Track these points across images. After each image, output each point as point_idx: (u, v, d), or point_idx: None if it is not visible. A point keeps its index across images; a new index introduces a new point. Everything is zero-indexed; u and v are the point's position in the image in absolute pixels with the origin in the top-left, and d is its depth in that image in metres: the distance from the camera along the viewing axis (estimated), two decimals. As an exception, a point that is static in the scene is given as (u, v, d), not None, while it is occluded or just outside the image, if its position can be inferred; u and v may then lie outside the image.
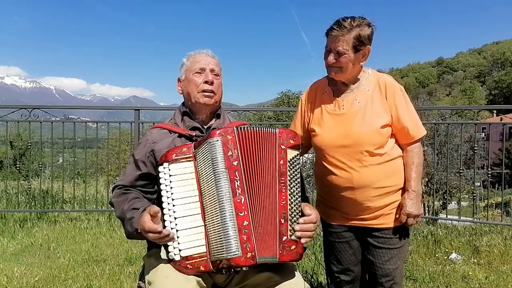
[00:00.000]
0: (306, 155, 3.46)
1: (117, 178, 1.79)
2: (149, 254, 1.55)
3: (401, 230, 1.84)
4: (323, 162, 1.85)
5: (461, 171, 4.76)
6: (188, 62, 1.70)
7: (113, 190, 1.67)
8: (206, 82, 1.63)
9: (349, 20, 1.69)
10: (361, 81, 1.85)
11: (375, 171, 1.75)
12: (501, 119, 6.28)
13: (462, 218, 4.68)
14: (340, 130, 1.78)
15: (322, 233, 2.01)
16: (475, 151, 4.77)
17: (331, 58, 1.74)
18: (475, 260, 3.59)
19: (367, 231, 1.86)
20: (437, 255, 3.70)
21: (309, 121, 1.92)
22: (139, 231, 1.41)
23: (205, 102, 1.64)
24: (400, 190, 1.81)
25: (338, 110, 1.82)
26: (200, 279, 1.41)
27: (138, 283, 1.64)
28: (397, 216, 1.80)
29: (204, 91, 1.63)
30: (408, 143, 1.81)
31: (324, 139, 1.83)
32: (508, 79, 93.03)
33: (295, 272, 1.52)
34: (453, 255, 3.68)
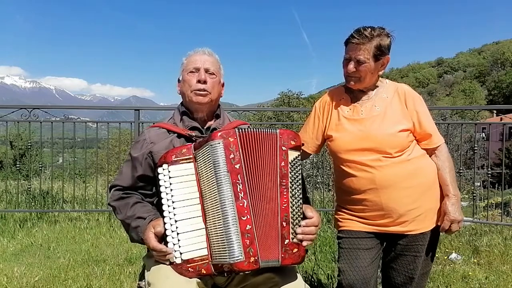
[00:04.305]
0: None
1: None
2: (149, 254, 1.55)
3: (430, 236, 1.78)
4: (342, 167, 1.80)
5: (461, 171, 4.75)
6: (185, 62, 1.68)
7: (110, 189, 1.66)
8: (199, 81, 1.61)
9: (369, 29, 1.69)
10: (379, 88, 1.84)
11: (397, 170, 1.70)
12: (501, 119, 6.26)
13: (462, 218, 4.66)
14: (359, 133, 1.75)
15: (337, 241, 1.92)
16: (475, 151, 4.77)
17: (351, 66, 1.73)
18: (475, 260, 3.58)
19: (391, 238, 1.80)
20: (437, 255, 3.70)
21: (325, 128, 1.87)
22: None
23: (198, 100, 1.61)
24: (426, 194, 1.75)
25: (357, 115, 1.80)
26: (200, 280, 1.40)
27: (138, 284, 1.64)
28: (439, 223, 1.75)
29: (197, 90, 1.61)
30: (433, 148, 1.79)
31: (342, 142, 1.78)
32: (508, 79, 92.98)
33: (296, 273, 1.52)
34: (453, 255, 3.68)
